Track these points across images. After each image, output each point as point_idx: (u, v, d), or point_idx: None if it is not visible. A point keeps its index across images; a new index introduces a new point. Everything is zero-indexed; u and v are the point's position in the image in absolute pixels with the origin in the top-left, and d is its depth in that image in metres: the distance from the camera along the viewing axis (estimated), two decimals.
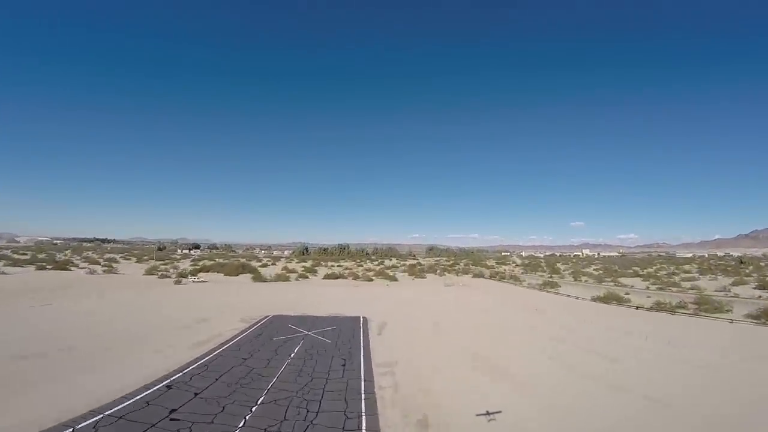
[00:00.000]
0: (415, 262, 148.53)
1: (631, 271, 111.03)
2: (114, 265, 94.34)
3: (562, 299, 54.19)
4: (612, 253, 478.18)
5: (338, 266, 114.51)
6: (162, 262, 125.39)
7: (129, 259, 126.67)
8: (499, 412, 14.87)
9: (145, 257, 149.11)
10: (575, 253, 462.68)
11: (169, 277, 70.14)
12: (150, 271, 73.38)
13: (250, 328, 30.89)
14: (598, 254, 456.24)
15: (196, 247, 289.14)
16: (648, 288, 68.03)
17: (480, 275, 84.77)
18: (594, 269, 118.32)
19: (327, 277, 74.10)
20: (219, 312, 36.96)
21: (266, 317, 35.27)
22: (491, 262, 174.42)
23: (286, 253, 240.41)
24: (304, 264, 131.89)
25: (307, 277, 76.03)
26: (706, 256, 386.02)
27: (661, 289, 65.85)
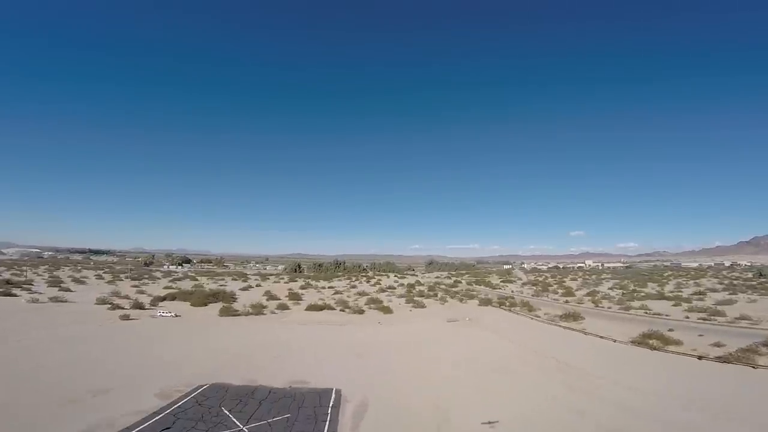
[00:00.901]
0: (413, 280, 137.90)
1: (652, 290, 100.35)
2: (73, 288, 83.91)
3: (593, 342, 43.90)
4: (616, 264, 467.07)
5: (329, 287, 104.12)
6: (136, 282, 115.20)
7: (101, 278, 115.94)
8: None
9: (125, 274, 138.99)
10: (578, 264, 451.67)
11: (122, 308, 59.85)
12: (103, 301, 63.17)
13: (159, 413, 20.73)
14: (602, 265, 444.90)
15: (187, 261, 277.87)
16: (687, 317, 57.73)
17: (487, 302, 74.35)
18: (609, 288, 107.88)
19: (311, 308, 63.70)
20: (136, 376, 26.83)
21: (198, 389, 25.06)
22: (495, 279, 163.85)
23: (280, 267, 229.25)
24: (293, 283, 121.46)
25: (287, 308, 65.55)
26: (713, 265, 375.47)
27: (703, 318, 55.58)
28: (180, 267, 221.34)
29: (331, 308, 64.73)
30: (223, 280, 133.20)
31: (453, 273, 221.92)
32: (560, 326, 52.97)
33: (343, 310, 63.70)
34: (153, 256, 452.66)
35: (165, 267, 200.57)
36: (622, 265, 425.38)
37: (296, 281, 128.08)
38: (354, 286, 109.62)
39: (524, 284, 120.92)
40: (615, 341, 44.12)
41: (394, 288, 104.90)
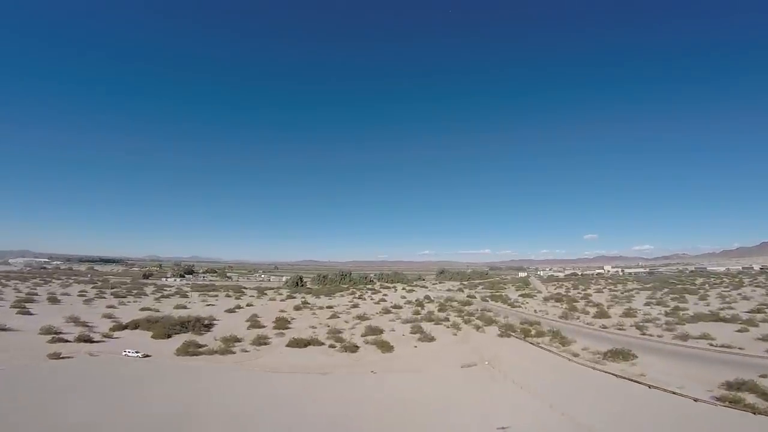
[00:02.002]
0: (423, 295, 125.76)
1: (695, 304, 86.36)
2: (35, 311, 74.42)
3: (664, 402, 31.70)
4: (636, 269, 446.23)
5: (327, 307, 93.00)
6: (120, 299, 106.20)
7: (84, 295, 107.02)
8: None
9: (113, 290, 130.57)
10: (597, 270, 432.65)
11: (65, 341, 49.75)
12: (48, 330, 53.23)
13: None
14: (623, 271, 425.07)
15: (190, 272, 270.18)
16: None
17: (508, 329, 62.09)
18: (645, 304, 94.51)
19: (294, 343, 52.38)
20: None
21: None
22: (511, 290, 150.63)
23: (284, 279, 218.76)
24: (290, 300, 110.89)
25: (266, 342, 54.46)
26: (741, 269, 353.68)
27: None
28: (180, 279, 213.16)
29: (318, 343, 53.40)
30: (216, 296, 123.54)
31: (465, 283, 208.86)
32: (611, 373, 40.65)
33: (333, 346, 52.30)
34: (160, 265, 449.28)
35: (163, 279, 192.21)
36: (643, 270, 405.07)
37: (294, 298, 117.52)
38: (356, 305, 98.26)
39: (546, 299, 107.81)
40: (696, 400, 31.96)
41: (401, 307, 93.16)
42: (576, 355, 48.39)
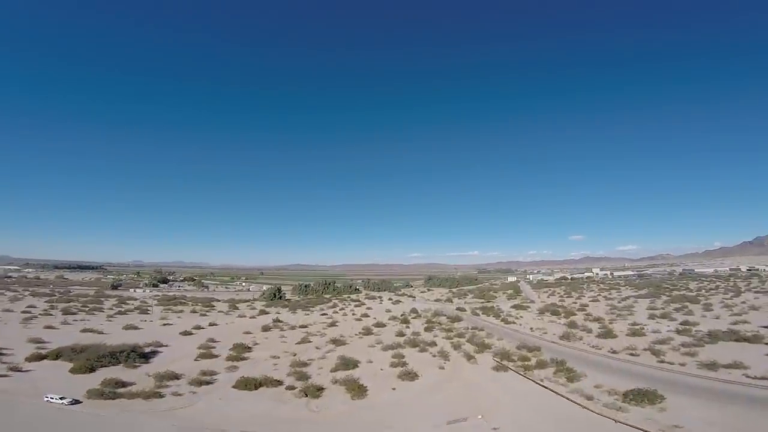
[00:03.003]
0: (409, 308, 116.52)
1: (703, 317, 78.87)
2: None
3: None
4: (625, 272, 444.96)
5: (300, 326, 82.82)
6: (68, 316, 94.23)
7: (28, 311, 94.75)
8: None
9: (69, 304, 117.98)
10: (586, 273, 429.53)
11: None
12: None
13: None
14: (612, 274, 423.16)
15: (164, 281, 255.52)
16: None
17: (504, 358, 53.04)
18: (649, 317, 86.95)
19: (243, 384, 42.13)
20: None
21: None
22: (502, 299, 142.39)
23: (265, 288, 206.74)
24: (263, 317, 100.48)
25: (209, 382, 44.25)
26: (729, 270, 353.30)
27: None
28: (152, 289, 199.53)
29: (273, 383, 43.33)
30: (180, 312, 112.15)
31: (454, 291, 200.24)
32: (641, 430, 31.72)
33: (292, 387, 42.35)
34: (138, 272, 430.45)
35: (131, 291, 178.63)
36: (632, 273, 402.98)
37: (267, 313, 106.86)
38: (334, 323, 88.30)
39: (541, 312, 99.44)
40: None
41: (384, 325, 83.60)
42: (589, 398, 39.36)
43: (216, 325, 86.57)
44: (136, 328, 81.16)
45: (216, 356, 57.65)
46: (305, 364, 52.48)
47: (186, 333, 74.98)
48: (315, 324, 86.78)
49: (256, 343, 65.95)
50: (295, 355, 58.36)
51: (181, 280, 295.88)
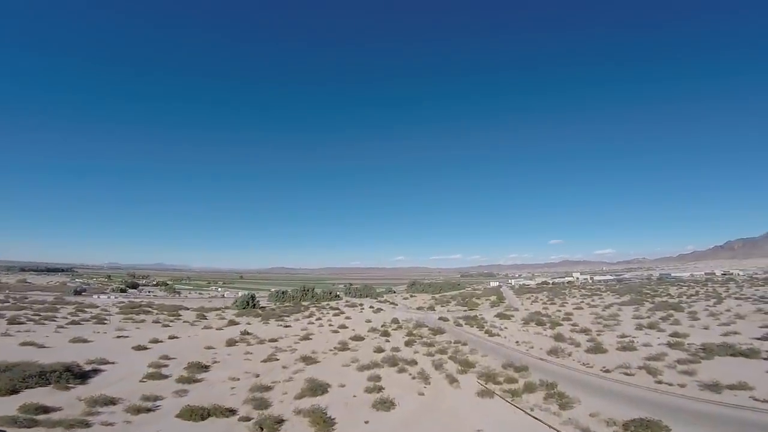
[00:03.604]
0: (390, 317, 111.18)
1: (692, 328, 76.23)
2: None
3: None
4: (604, 276, 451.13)
5: (270, 341, 76.26)
6: (15, 326, 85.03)
7: None
8: None
9: (22, 311, 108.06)
10: (567, 278, 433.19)
11: None
12: None
13: None
14: (591, 278, 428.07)
15: (134, 285, 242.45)
16: None
17: (490, 379, 48.16)
18: (636, 327, 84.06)
19: (188, 414, 35.83)
20: None
21: None
22: (485, 307, 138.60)
23: (241, 294, 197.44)
24: (231, 328, 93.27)
25: (150, 409, 37.65)
26: (704, 275, 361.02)
27: None
28: (118, 295, 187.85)
29: (225, 413, 37.02)
30: (142, 322, 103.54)
31: (437, 297, 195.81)
32: None
33: (247, 418, 36.19)
34: (109, 276, 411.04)
35: (94, 297, 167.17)
36: (611, 277, 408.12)
37: (237, 324, 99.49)
38: (308, 336, 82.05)
39: (526, 322, 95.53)
40: None
41: (362, 338, 77.89)
42: (585, 430, 34.67)
43: (177, 338, 79.08)
44: (85, 341, 72.83)
45: (166, 377, 50.69)
46: (268, 388, 46.25)
47: (140, 347, 67.34)
48: (287, 337, 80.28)
49: (216, 361, 59.17)
50: (257, 376, 52.05)
51: (154, 285, 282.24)
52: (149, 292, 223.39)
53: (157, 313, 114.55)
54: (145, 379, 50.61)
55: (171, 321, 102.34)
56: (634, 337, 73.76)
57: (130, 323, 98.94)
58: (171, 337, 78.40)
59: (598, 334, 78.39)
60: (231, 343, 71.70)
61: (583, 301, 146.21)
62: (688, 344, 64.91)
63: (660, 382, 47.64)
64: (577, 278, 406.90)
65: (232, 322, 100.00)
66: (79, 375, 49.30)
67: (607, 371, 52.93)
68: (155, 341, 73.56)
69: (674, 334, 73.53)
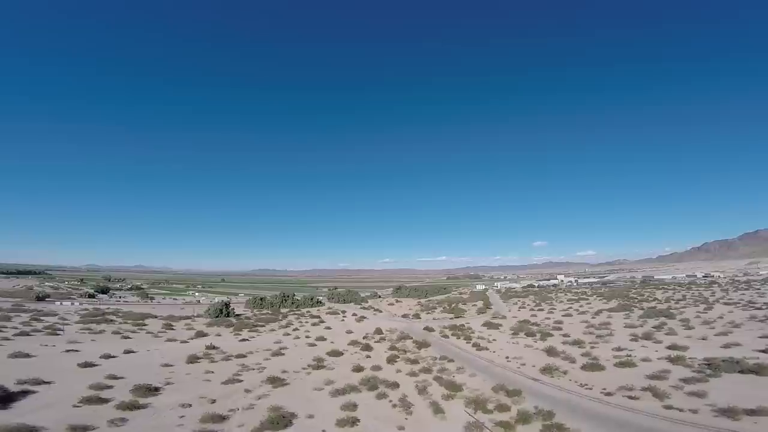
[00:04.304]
0: (373, 328, 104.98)
1: (690, 338, 72.29)
2: None
3: None
4: (588, 279, 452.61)
5: (237, 356, 69.11)
6: None
7: None
8: None
9: None
10: (552, 281, 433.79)
11: None
12: None
13: None
14: (576, 281, 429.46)
15: (104, 291, 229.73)
16: None
17: (479, 413, 42.42)
18: (630, 337, 79.77)
19: None
20: None
21: None
22: (473, 317, 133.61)
23: (217, 300, 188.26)
24: (200, 340, 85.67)
25: None
26: (686, 277, 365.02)
27: None
28: (84, 301, 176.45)
29: None
30: (101, 332, 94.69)
31: (423, 302, 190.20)
32: None
33: None
34: (82, 279, 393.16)
35: (57, 303, 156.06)
36: (595, 280, 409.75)
37: (206, 335, 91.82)
38: (281, 350, 75.04)
39: (515, 332, 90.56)
40: None
41: (340, 354, 71.45)
42: None
43: (133, 352, 71.08)
44: (27, 356, 64.12)
45: (106, 401, 43.19)
46: (222, 418, 39.40)
47: (87, 365, 59.24)
48: (257, 352, 73.09)
49: (170, 383, 51.82)
50: (213, 402, 45.02)
51: (127, 289, 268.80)
52: (120, 297, 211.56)
53: (120, 323, 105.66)
54: (80, 404, 43.10)
55: (133, 332, 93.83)
56: (631, 350, 69.21)
57: (86, 334, 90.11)
58: (126, 352, 70.28)
59: (592, 347, 73.65)
60: (192, 359, 64.22)
61: (571, 307, 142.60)
62: (689, 359, 60.37)
63: (669, 407, 42.56)
64: (562, 281, 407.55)
65: (200, 334, 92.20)
66: (3, 398, 41.87)
67: (609, 394, 47.75)
68: (107, 357, 65.35)
69: (672, 347, 69.17)
